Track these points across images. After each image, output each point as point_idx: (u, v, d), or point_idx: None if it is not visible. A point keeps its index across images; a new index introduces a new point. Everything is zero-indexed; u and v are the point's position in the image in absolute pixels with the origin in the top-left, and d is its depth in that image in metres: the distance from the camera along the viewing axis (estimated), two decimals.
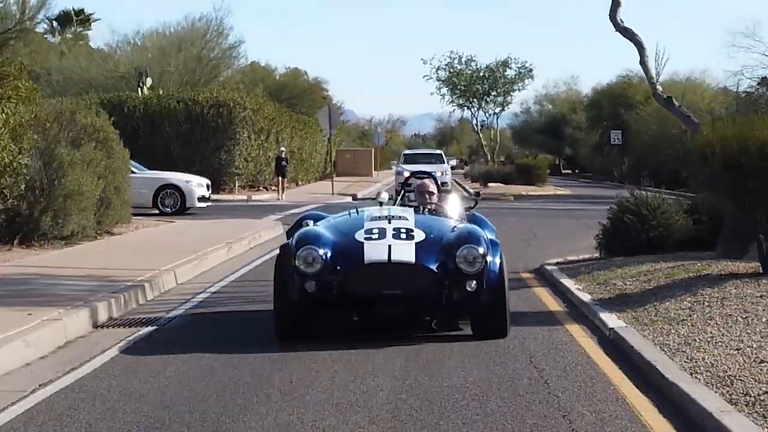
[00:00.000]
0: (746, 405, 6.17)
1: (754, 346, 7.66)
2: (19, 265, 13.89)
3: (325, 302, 8.95)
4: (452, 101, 61.85)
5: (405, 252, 8.91)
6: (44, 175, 16.26)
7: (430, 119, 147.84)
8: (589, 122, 69.65)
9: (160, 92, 39.60)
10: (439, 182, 11.23)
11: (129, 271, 13.02)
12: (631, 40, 14.08)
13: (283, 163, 36.89)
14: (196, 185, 27.58)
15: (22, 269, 13.32)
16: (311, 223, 10.05)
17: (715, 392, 6.49)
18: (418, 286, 8.88)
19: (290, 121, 45.29)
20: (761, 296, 9.12)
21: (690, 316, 8.94)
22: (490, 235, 9.80)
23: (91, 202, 17.01)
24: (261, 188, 41.18)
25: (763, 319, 8.43)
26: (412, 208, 10.18)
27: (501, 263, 9.15)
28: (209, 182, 28.79)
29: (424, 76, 61.50)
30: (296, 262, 8.88)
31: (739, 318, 8.59)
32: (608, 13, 14.19)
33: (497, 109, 62.95)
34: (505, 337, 8.98)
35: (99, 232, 18.10)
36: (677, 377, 6.94)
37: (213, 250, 16.07)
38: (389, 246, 8.96)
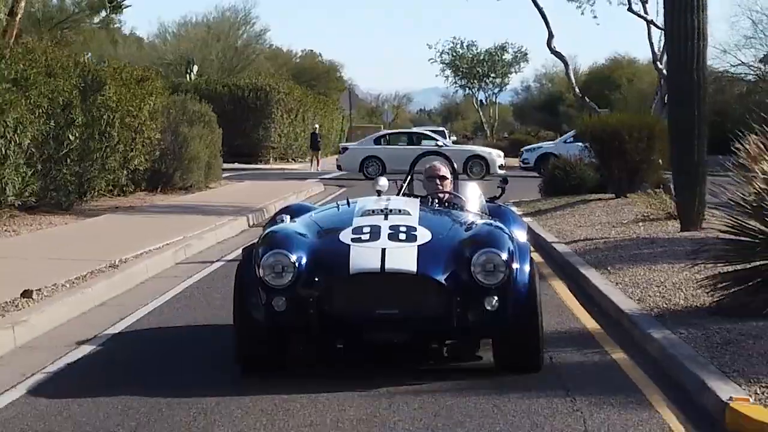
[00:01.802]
0: (584, 251, 14.83)
1: (587, 223, 16.53)
2: (174, 202, 22.85)
3: (299, 325, 7.18)
4: (455, 82, 70.91)
5: (404, 258, 7.18)
6: (174, 145, 25.21)
7: (435, 94, 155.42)
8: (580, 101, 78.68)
9: (203, 77, 48.42)
10: (454, 164, 9.59)
11: (248, 203, 21.97)
12: (560, 59, 22.99)
13: (318, 138, 45.71)
14: None
15: (181, 202, 22.30)
16: (287, 219, 8.06)
17: (566, 244, 15.05)
18: (421, 304, 7.17)
19: (314, 102, 54.21)
20: (603, 206, 18.14)
21: (564, 215, 17.94)
22: (518, 234, 8.31)
23: (202, 164, 26.00)
24: (290, 160, 50.02)
25: (596, 213, 17.42)
26: (418, 199, 8.63)
27: (532, 272, 7.39)
28: None
29: (429, 59, 70.74)
30: (261, 271, 7.13)
31: (586, 214, 17.58)
32: (546, 42, 23.15)
33: (496, 90, 72.00)
34: (539, 370, 7.35)
35: (206, 185, 27.10)
36: (549, 238, 15.74)
37: (289, 195, 25.05)
38: (383, 250, 7.20)
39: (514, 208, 12.45)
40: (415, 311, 7.17)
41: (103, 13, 76.24)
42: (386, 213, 7.77)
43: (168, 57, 51.91)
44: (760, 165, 8.54)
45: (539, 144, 44.95)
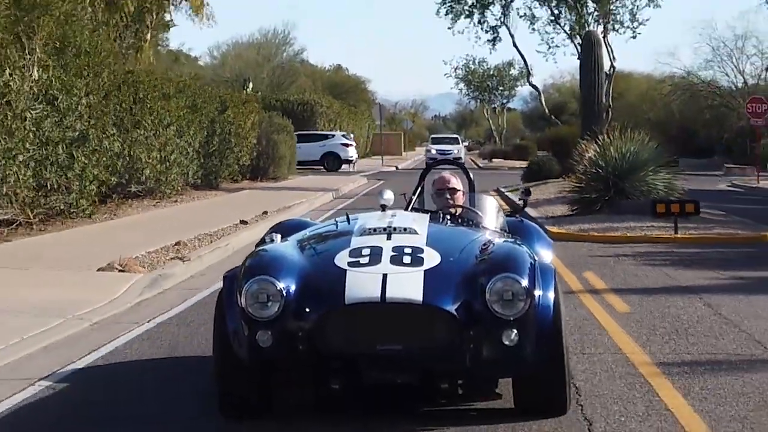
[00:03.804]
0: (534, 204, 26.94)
1: (544, 192, 28.46)
2: (275, 185, 34.91)
3: (287, 363, 6.43)
4: (468, 94, 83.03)
5: (408, 285, 6.36)
6: (267, 147, 37.30)
7: (450, 100, 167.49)
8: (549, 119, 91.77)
9: (258, 93, 60.43)
10: (470, 175, 8.81)
11: (324, 186, 33.97)
12: (536, 90, 34.98)
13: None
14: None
15: (280, 186, 34.45)
16: (278, 238, 7.30)
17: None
18: (428, 339, 6.33)
19: (347, 113, 66.26)
20: (554, 184, 30.11)
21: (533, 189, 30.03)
22: (543, 254, 7.76)
23: (286, 161, 38.12)
24: None
25: (550, 188, 29.39)
26: (428, 215, 7.73)
27: (556, 300, 6.52)
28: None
29: (445, 74, 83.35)
30: (243, 301, 6.33)
31: (544, 187, 29.52)
32: (525, 77, 35.14)
33: (504, 101, 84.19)
34: (565, 413, 6.60)
35: (287, 176, 39.22)
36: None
37: (344, 185, 37.04)
38: (384, 276, 6.40)
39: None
40: (422, 347, 6.33)
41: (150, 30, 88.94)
42: (389, 232, 6.98)
43: (226, 75, 63.96)
44: (587, 154, 20.59)
45: None
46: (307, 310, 6.34)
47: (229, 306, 6.57)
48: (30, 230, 18.26)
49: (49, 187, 19.16)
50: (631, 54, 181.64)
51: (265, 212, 22.30)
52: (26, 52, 18.60)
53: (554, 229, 18.35)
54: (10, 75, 17.83)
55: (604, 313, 10.53)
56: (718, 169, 52.95)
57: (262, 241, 7.65)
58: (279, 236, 7.41)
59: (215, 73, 64.82)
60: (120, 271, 12.62)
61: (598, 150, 21.63)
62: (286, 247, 7.06)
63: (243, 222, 20.03)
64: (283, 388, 6.93)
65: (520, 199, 9.57)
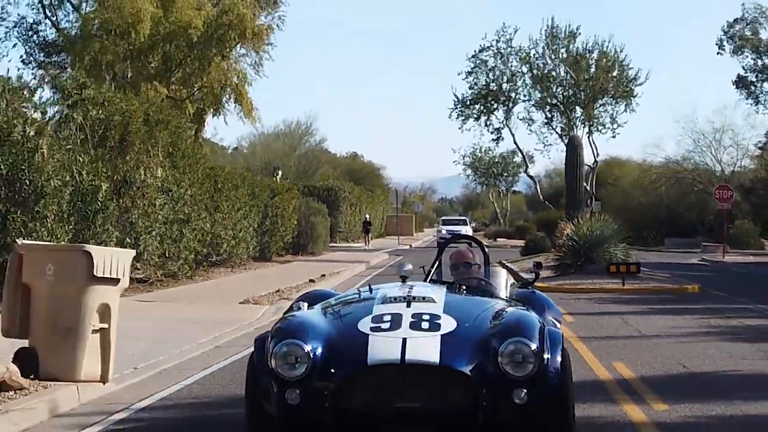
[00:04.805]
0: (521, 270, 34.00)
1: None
2: (314, 259, 42.12)
3: (314, 419, 7.05)
4: (474, 179, 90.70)
5: (426, 349, 7.01)
6: (306, 227, 44.59)
7: (457, 183, 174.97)
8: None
9: (287, 179, 67.82)
10: (485, 250, 9.54)
11: (356, 259, 41.12)
12: (532, 180, 42.26)
13: (369, 224, 64.83)
14: None
15: (319, 259, 41.69)
16: (305, 306, 8.15)
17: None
18: (444, 398, 6.97)
19: (366, 198, 73.69)
20: (546, 255, 37.32)
21: (524, 259, 37.07)
22: (553, 320, 8.49)
23: (322, 239, 45.42)
24: (350, 241, 69.27)
25: (541, 257, 36.69)
26: (445, 286, 8.53)
27: (564, 362, 7.18)
28: None
29: (453, 161, 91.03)
30: (273, 362, 7.07)
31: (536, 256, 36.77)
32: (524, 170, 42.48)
33: (508, 186, 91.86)
34: None
35: (322, 252, 46.42)
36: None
37: (372, 259, 44.15)
38: (404, 340, 7.05)
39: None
40: (439, 405, 6.92)
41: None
42: (409, 300, 7.60)
43: (257, 163, 71.44)
44: (565, 231, 27.78)
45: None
46: (333, 370, 6.96)
47: (260, 367, 7.23)
48: (159, 286, 25.36)
49: (167, 255, 26.35)
50: (628, 143, 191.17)
51: (323, 275, 29.46)
52: (151, 155, 25.86)
53: (539, 284, 25.52)
54: (143, 173, 25.06)
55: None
56: (698, 247, 59.91)
57: (290, 309, 8.47)
58: (306, 305, 8.19)
59: (246, 161, 72.27)
60: (254, 303, 19.74)
61: (573, 228, 28.87)
62: (312, 314, 7.77)
63: (311, 280, 27.14)
64: None
65: (531, 272, 10.89)
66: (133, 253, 12.03)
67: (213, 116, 45.41)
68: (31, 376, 10.47)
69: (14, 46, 47.85)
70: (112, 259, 11.10)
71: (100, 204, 21.61)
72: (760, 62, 69.55)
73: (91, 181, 21.36)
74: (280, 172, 68.97)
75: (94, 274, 10.78)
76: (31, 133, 19.50)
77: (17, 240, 12.38)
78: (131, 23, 40.78)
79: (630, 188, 77.50)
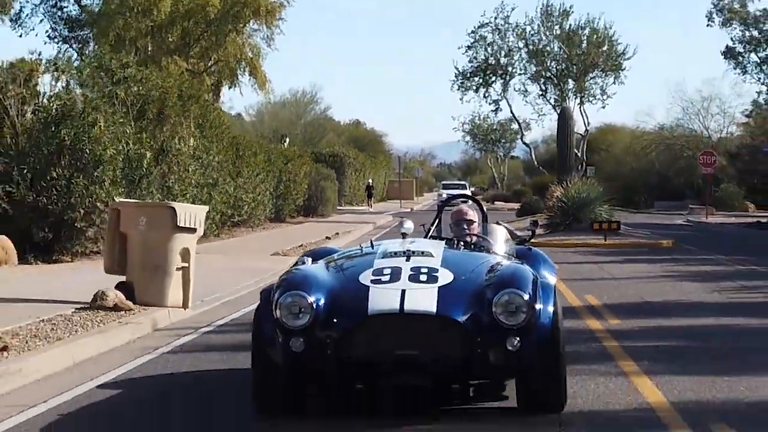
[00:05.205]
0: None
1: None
2: (324, 220, 45.26)
3: (317, 366, 7.38)
4: (473, 146, 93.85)
5: (423, 299, 7.35)
6: (316, 191, 47.72)
7: (456, 149, 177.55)
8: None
9: (294, 147, 70.82)
10: (484, 208, 10.01)
11: (363, 220, 44.25)
12: (527, 147, 45.31)
13: (372, 189, 67.91)
14: None
15: (329, 220, 44.85)
16: (309, 261, 8.49)
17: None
18: (441, 346, 7.32)
19: (369, 163, 76.75)
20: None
21: (519, 219, 40.34)
22: (548, 276, 8.74)
23: (330, 202, 48.55)
24: (354, 204, 72.37)
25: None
26: (443, 241, 8.83)
27: (555, 312, 7.53)
28: None
29: (453, 128, 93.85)
30: (278, 312, 7.40)
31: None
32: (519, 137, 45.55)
33: (506, 152, 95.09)
34: (561, 411, 7.57)
35: (331, 214, 49.55)
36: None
37: (377, 220, 47.22)
38: (402, 291, 7.40)
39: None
40: (436, 352, 7.25)
41: None
42: (408, 255, 7.90)
43: (264, 131, 74.45)
44: (555, 194, 30.88)
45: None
46: (335, 320, 7.28)
47: (266, 317, 7.53)
48: None
49: None
50: (622, 110, 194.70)
51: (337, 233, 32.58)
52: (184, 127, 28.90)
53: (532, 241, 28.76)
54: (178, 142, 28.11)
55: None
56: (686, 209, 63.02)
57: (296, 264, 8.92)
58: (310, 259, 8.52)
59: (255, 129, 75.26)
60: (283, 255, 22.85)
61: (563, 191, 31.99)
62: (316, 268, 8.07)
63: (328, 237, 30.29)
64: (311, 387, 7.74)
65: (528, 230, 11.41)
66: (206, 208, 15.19)
67: (229, 88, 48.25)
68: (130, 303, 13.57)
69: (41, 21, 50.73)
70: (190, 213, 14.23)
71: (144, 170, 24.76)
72: (747, 33, 72.57)
73: (137, 149, 24.46)
74: (287, 140, 72.07)
75: (178, 224, 13.88)
76: (89, 110, 22.54)
77: (114, 198, 15.48)
78: (152, 1, 43.75)
79: (623, 154, 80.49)
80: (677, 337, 11.95)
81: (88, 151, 21.85)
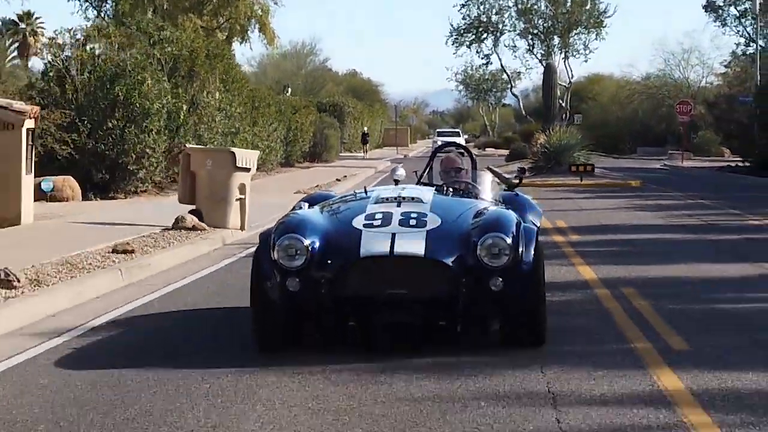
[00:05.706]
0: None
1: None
2: (329, 165, 49.19)
3: (312, 305, 7.95)
4: (466, 95, 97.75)
5: (412, 242, 7.90)
6: (320, 138, 51.61)
7: (449, 96, 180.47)
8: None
9: (296, 96, 74.52)
10: (473, 156, 10.48)
11: (364, 165, 48.17)
12: (516, 97, 49.22)
13: (367, 136, 71.77)
14: None
15: (334, 165, 48.81)
16: (305, 206, 9.16)
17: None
18: (428, 286, 7.89)
19: (367, 112, 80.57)
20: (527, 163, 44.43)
21: (509, 164, 44.28)
22: (533, 219, 9.26)
23: (333, 148, 52.49)
24: (353, 151, 76.26)
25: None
26: (433, 188, 9.36)
27: (537, 255, 8.03)
28: None
29: (446, 78, 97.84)
30: (275, 254, 7.90)
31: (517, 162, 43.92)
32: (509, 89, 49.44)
33: (497, 100, 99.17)
34: (542, 344, 8.14)
35: (334, 159, 53.42)
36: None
37: (378, 165, 51.17)
38: (393, 235, 7.96)
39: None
40: (423, 292, 7.83)
41: None
42: (399, 201, 8.48)
43: (267, 82, 78.07)
44: (539, 141, 34.83)
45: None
46: (329, 261, 7.87)
47: (264, 258, 8.08)
48: None
49: None
50: (610, 61, 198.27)
51: (345, 176, 36.53)
52: (211, 82, 32.73)
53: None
54: (206, 96, 31.97)
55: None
56: (666, 155, 66.91)
57: (293, 209, 9.34)
58: (306, 204, 9.18)
59: (257, 80, 78.92)
60: (304, 194, 26.79)
61: (546, 138, 36.01)
62: (312, 212, 8.67)
63: (338, 179, 34.25)
64: (307, 325, 8.22)
65: (516, 177, 11.53)
66: (258, 153, 19.18)
67: (240, 44, 51.86)
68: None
69: None
70: (246, 156, 18.22)
71: (181, 121, 28.69)
72: None
73: (175, 103, 28.36)
74: (289, 90, 75.74)
75: (237, 165, 17.82)
76: (138, 69, 26.40)
77: (186, 144, 19.43)
78: None
79: (609, 103, 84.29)
80: (619, 245, 16.11)
81: (138, 105, 25.72)
